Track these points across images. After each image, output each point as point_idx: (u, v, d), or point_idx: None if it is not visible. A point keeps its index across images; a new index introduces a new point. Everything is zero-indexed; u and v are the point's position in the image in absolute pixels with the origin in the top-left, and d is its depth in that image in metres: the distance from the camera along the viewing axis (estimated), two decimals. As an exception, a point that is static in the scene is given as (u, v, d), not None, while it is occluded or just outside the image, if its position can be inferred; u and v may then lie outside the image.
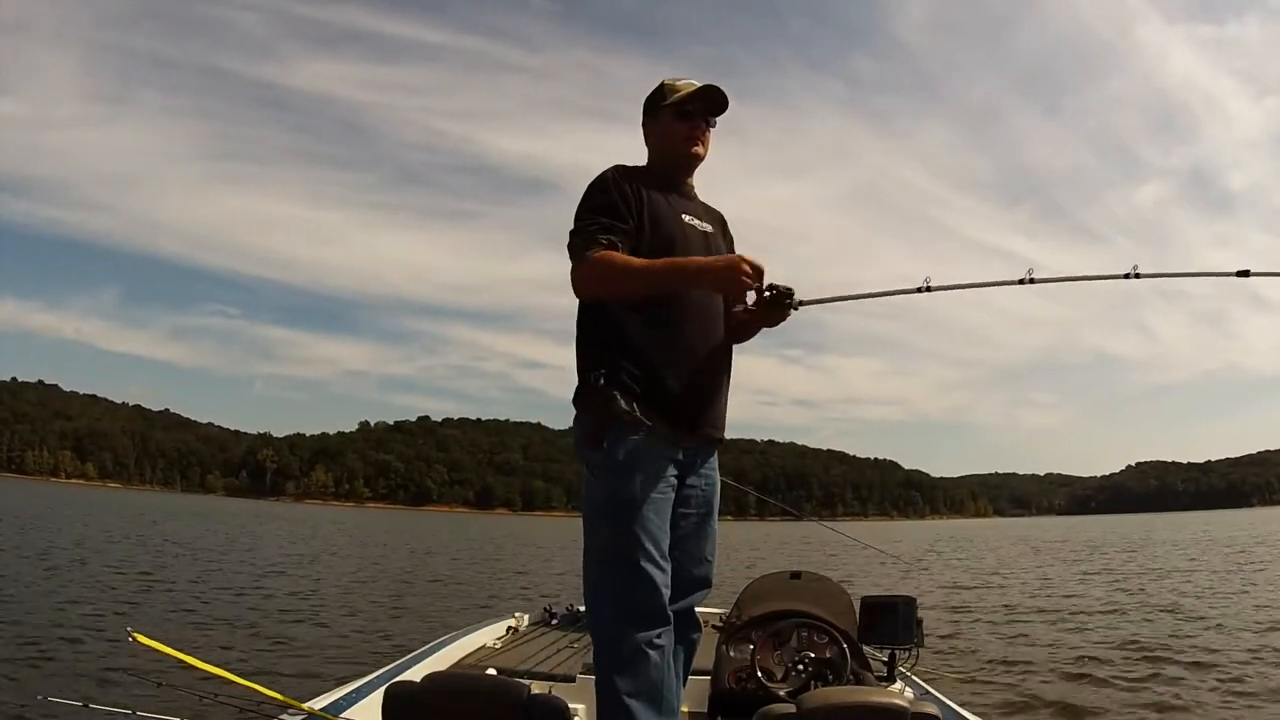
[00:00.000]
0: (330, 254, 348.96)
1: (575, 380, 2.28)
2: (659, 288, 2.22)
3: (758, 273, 2.18)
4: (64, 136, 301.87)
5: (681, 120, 2.37)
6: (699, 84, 2.39)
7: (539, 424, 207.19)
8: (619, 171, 2.32)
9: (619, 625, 2.12)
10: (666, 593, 2.16)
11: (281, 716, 2.47)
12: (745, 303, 2.40)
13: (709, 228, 2.43)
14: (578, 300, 2.28)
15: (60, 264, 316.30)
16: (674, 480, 2.24)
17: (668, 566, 2.18)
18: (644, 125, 2.46)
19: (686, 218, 2.37)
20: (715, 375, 2.34)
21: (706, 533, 2.36)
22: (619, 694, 2.08)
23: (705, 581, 2.36)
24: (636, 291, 2.21)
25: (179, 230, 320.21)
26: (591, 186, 2.30)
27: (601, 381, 2.18)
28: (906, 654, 3.40)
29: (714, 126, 2.42)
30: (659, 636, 2.13)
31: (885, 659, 3.41)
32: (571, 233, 2.25)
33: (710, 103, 2.39)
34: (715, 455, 2.41)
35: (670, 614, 2.17)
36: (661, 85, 2.42)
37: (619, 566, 2.13)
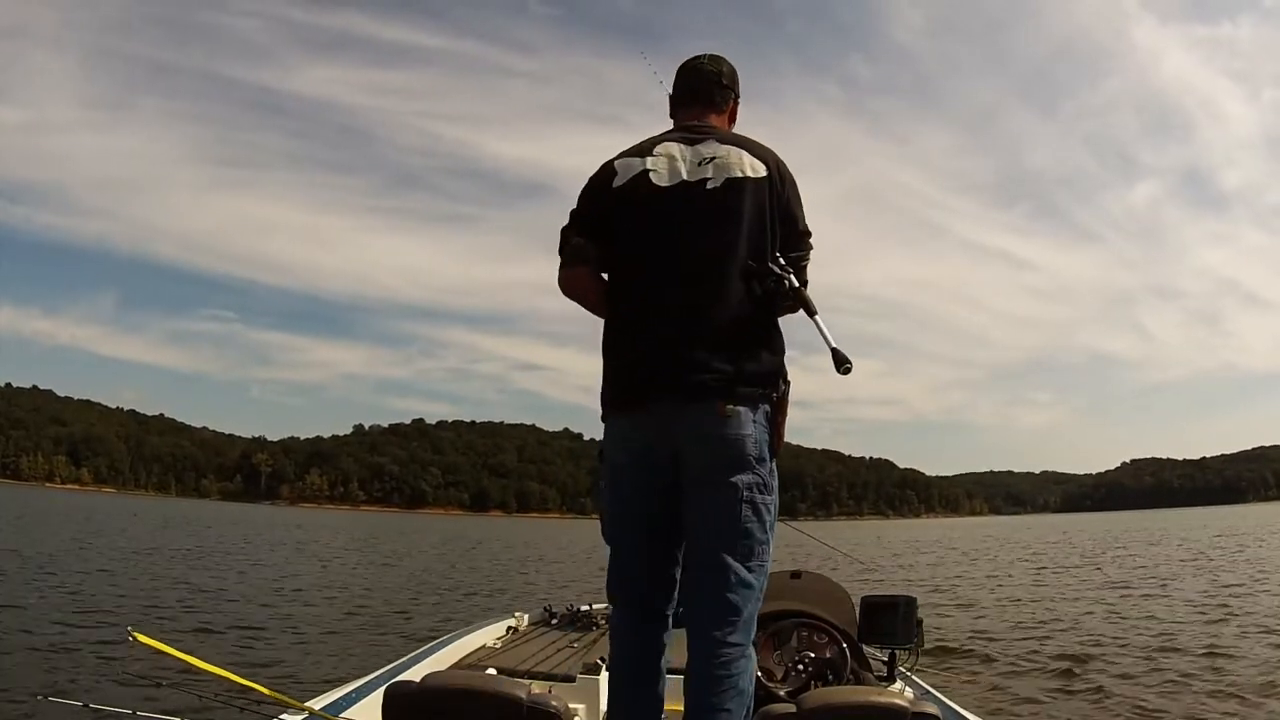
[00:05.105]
0: (327, 258, 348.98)
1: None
2: None
3: None
4: (62, 142, 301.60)
5: None
6: None
7: (533, 426, 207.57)
8: None
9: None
10: None
11: (281, 716, 2.47)
12: None
13: None
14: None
15: (57, 270, 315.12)
16: None
17: None
18: (736, 102, 2.36)
19: None
20: None
21: None
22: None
23: None
24: None
25: (177, 235, 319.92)
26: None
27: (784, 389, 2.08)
28: (906, 654, 3.40)
29: None
30: None
31: (885, 659, 3.41)
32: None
33: None
34: None
35: None
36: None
37: None
